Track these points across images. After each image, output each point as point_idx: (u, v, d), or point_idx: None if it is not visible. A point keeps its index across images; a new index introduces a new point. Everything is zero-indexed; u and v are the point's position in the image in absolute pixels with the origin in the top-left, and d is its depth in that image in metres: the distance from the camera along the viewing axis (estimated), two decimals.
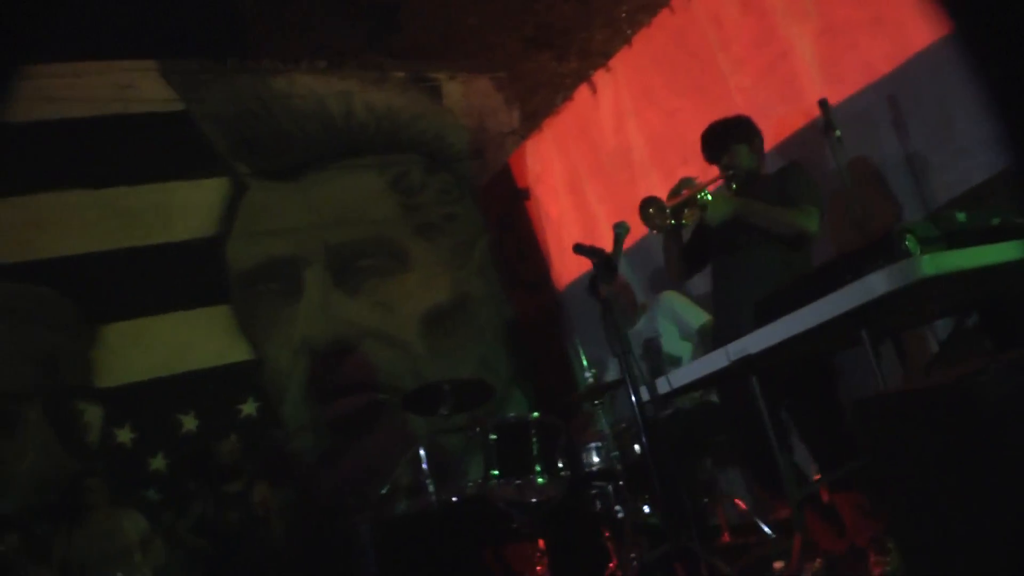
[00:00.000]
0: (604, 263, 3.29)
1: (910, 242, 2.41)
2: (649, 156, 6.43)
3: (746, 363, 2.52)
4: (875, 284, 2.19)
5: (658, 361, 4.75)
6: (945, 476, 1.70)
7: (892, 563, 3.10)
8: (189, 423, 6.51)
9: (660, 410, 4.82)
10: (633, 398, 3.03)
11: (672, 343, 4.98)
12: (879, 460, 1.86)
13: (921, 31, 4.57)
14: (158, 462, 6.35)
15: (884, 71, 4.81)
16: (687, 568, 3.81)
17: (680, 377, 3.00)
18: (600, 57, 6.93)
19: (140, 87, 6.77)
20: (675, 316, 5.03)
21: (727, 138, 4.15)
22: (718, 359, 2.69)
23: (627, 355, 3.13)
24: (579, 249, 3.53)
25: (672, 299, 5.15)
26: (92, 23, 5.56)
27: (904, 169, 4.77)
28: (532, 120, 7.77)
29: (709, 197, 3.81)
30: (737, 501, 4.79)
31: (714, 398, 4.77)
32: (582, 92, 6.99)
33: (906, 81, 4.70)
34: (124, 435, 6.30)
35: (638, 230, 4.28)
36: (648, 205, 3.81)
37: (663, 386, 3.08)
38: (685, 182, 3.90)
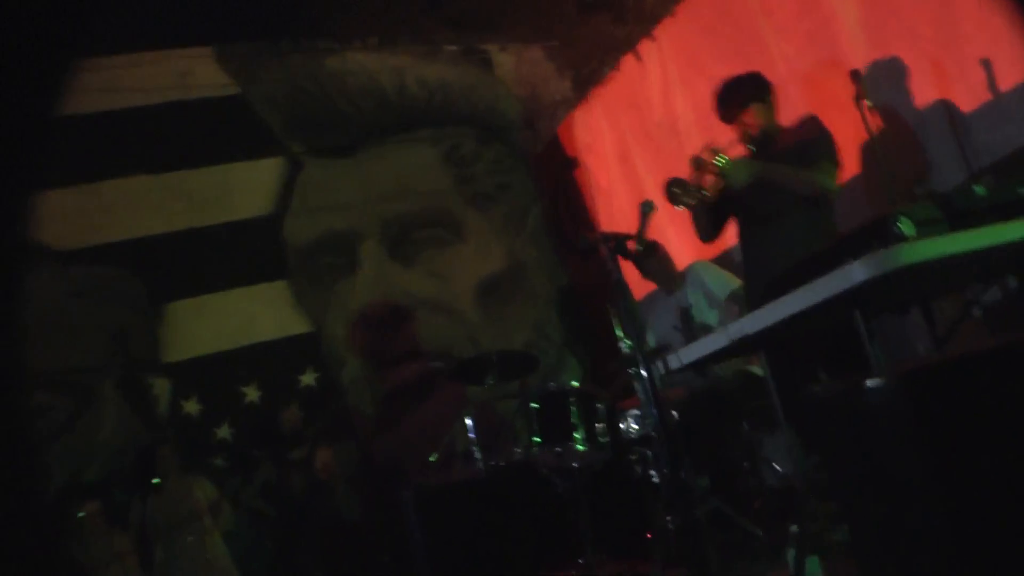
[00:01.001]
0: (616, 247, 3.35)
1: (904, 225, 2.42)
2: (695, 124, 6.44)
3: (745, 343, 2.60)
4: (855, 272, 2.23)
5: (693, 330, 4.83)
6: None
7: None
8: (252, 394, 6.78)
9: (694, 380, 4.94)
10: (645, 374, 3.12)
11: (703, 312, 5.05)
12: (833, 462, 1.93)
13: None
14: (224, 431, 6.65)
15: (927, 35, 4.76)
16: (721, 531, 3.93)
17: (689, 354, 3.09)
18: (647, 23, 6.92)
19: (197, 73, 7.00)
20: (703, 285, 5.09)
21: (740, 98, 4.17)
22: (719, 339, 2.78)
23: (638, 336, 3.23)
24: (585, 240, 3.61)
25: (700, 269, 5.21)
26: (146, 13, 5.77)
27: (948, 133, 4.73)
28: (583, 89, 7.79)
29: (729, 163, 3.86)
30: (775, 465, 4.85)
31: (753, 368, 4.84)
32: (628, 61, 7.01)
33: (950, 44, 4.65)
34: (191, 406, 6.61)
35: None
36: (672, 186, 3.88)
37: (674, 362, 3.17)
38: (705, 153, 3.95)
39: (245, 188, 7.10)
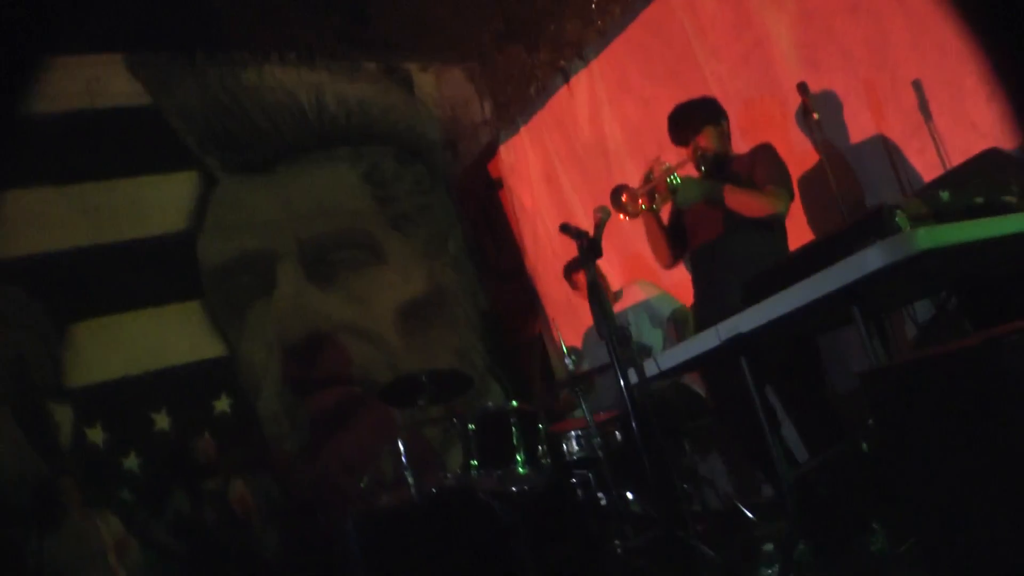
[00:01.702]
0: (589, 246, 3.25)
1: (900, 219, 2.41)
2: (625, 145, 6.42)
3: (737, 342, 2.49)
4: (869, 259, 2.17)
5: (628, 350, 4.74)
6: (963, 445, 1.68)
7: (877, 543, 3.09)
8: (162, 421, 6.40)
9: (643, 395, 4.84)
10: (622, 381, 2.99)
11: (644, 332, 4.98)
12: (890, 431, 1.84)
13: (897, 16, 4.59)
14: (131, 462, 6.24)
15: (861, 56, 4.81)
16: (671, 554, 3.81)
17: (670, 358, 2.97)
18: (572, 47, 6.90)
19: (106, 81, 6.64)
20: (646, 304, 5.03)
21: (695, 120, 4.16)
22: (708, 339, 2.67)
23: (615, 338, 3.10)
24: (566, 229, 3.50)
25: (643, 288, 5.15)
26: (53, 16, 5.42)
27: (881, 152, 4.79)
28: (505, 110, 7.73)
29: (679, 181, 3.81)
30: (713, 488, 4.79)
31: (687, 382, 4.78)
32: (556, 82, 6.96)
33: (883, 66, 4.71)
34: (95, 435, 6.18)
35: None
36: (620, 192, 3.81)
37: (651, 368, 3.05)
38: (656, 168, 3.90)
39: (156, 203, 6.74)
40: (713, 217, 4.00)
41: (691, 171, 4.07)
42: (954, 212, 2.76)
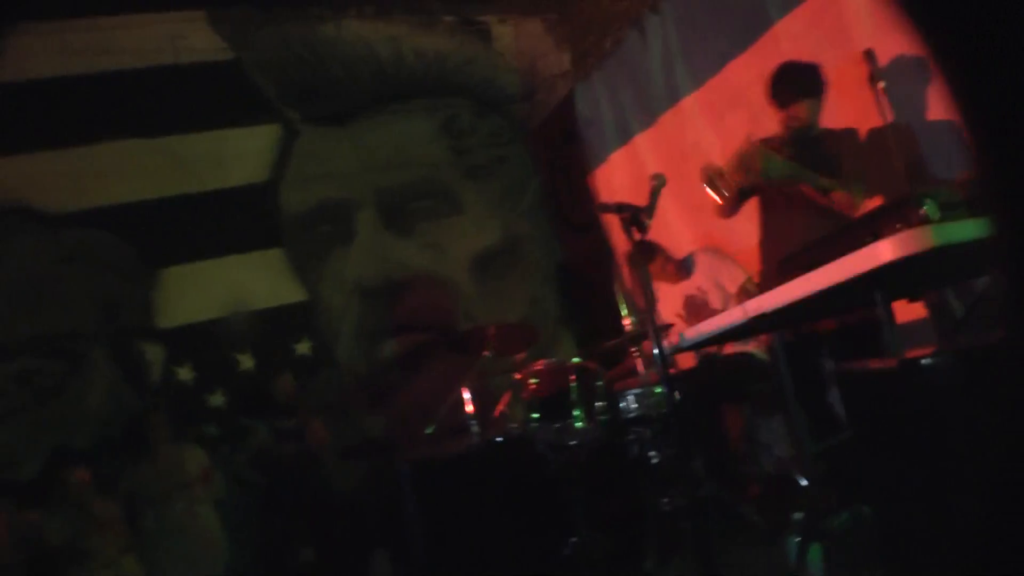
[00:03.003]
0: (632, 218, 3.28)
1: (929, 207, 2.39)
2: (697, 100, 6.37)
3: (762, 320, 2.56)
4: (883, 250, 2.19)
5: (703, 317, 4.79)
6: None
7: None
8: (246, 362, 6.74)
9: (702, 359, 4.90)
10: (656, 351, 3.07)
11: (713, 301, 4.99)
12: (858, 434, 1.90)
13: None
14: (217, 399, 6.61)
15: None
16: (717, 516, 3.89)
17: (701, 331, 3.05)
18: None
19: (189, 37, 6.87)
20: (713, 274, 5.03)
21: (798, 88, 4.09)
22: (735, 315, 2.73)
23: (651, 308, 3.17)
24: (603, 208, 3.55)
25: (711, 255, 5.15)
26: None
27: (949, 125, 4.67)
28: (582, 63, 7.70)
29: (773, 163, 3.81)
30: (773, 451, 4.82)
31: (753, 351, 4.80)
32: (631, 35, 6.91)
33: None
34: (184, 373, 6.56)
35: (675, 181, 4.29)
36: (713, 177, 3.81)
37: (685, 341, 3.13)
38: (747, 147, 3.89)
39: (239, 155, 7.00)
40: (788, 192, 4.00)
41: (779, 146, 4.05)
42: None
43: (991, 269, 3.14)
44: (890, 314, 2.40)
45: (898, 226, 2.35)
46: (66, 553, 5.47)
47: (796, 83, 4.10)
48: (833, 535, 2.96)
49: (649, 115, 6.84)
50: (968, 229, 2.21)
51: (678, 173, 6.25)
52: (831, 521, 3.08)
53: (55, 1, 5.69)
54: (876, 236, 2.37)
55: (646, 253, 4.54)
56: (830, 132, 4.20)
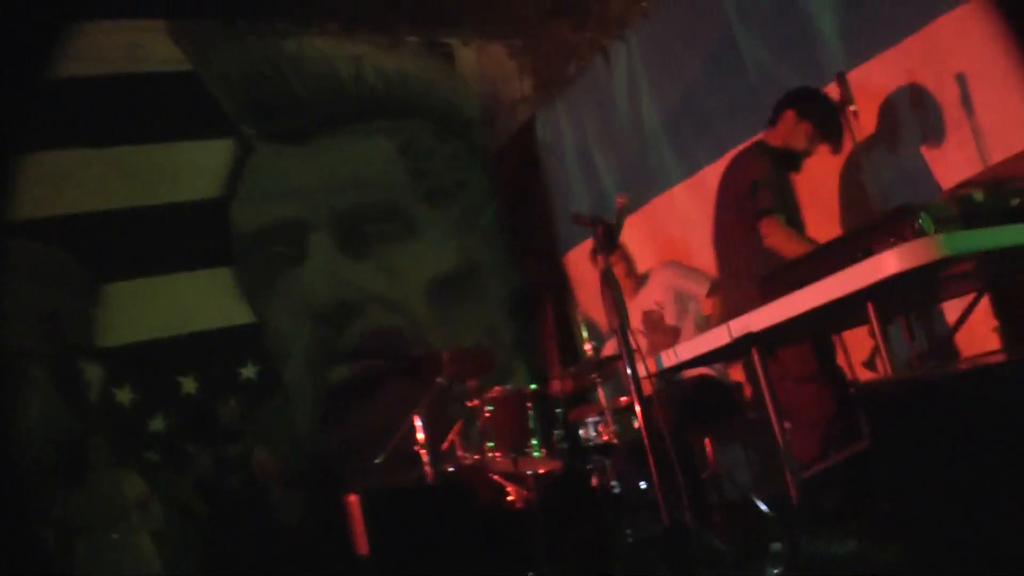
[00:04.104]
0: (605, 233, 3.19)
1: (924, 221, 2.34)
2: (662, 126, 6.34)
3: (749, 341, 2.45)
4: (887, 263, 2.11)
5: (660, 332, 4.70)
6: (952, 466, 1.64)
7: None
8: (189, 385, 6.50)
9: (662, 384, 4.80)
10: (630, 371, 2.96)
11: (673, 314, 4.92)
12: (881, 446, 1.80)
13: (943, 5, 4.46)
14: (157, 423, 6.35)
15: (904, 46, 4.69)
16: (682, 544, 3.77)
17: (683, 352, 2.94)
18: (616, 27, 6.81)
19: (148, 47, 6.69)
20: (676, 285, 4.97)
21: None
22: (720, 335, 2.63)
23: (624, 328, 3.06)
24: (577, 219, 3.46)
25: (672, 268, 5.09)
26: None
27: (920, 146, 4.67)
28: (544, 89, 7.65)
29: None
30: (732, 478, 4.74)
31: (714, 373, 4.72)
32: (595, 61, 6.88)
33: (926, 55, 4.59)
34: (123, 395, 6.30)
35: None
36: None
37: (666, 360, 3.01)
38: None
39: (192, 169, 6.82)
40: None
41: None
42: (987, 214, 2.67)
43: None
44: (885, 330, 2.30)
45: (892, 240, 2.28)
46: None
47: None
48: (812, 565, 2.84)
49: (612, 141, 6.79)
50: (976, 239, 2.14)
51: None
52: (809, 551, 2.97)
53: None
54: (869, 251, 2.29)
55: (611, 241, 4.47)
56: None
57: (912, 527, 1.83)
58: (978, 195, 2.78)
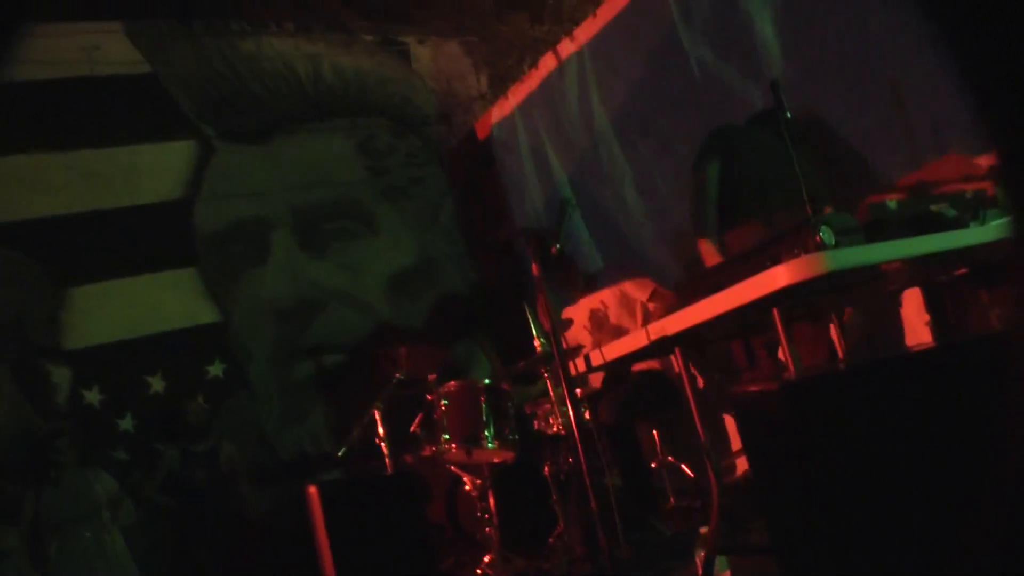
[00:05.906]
0: (538, 242, 3.36)
1: (824, 233, 2.50)
2: (611, 123, 6.51)
3: (664, 343, 2.65)
4: (778, 276, 2.29)
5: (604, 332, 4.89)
6: (820, 473, 1.82)
7: None
8: (156, 384, 6.60)
9: (611, 378, 5.00)
10: (561, 373, 3.15)
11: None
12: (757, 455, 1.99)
13: (876, 11, 4.64)
14: (126, 423, 6.45)
15: (839, 49, 4.87)
16: (629, 530, 3.98)
17: (608, 352, 3.13)
18: (567, 24, 6.97)
19: (106, 49, 6.75)
20: (620, 288, 5.15)
21: None
22: (639, 337, 2.82)
23: (556, 332, 3.25)
24: (520, 234, 3.63)
25: (618, 272, 5.26)
26: None
27: (856, 149, 4.86)
28: (499, 86, 7.82)
29: None
30: (683, 467, 4.95)
31: (660, 368, 4.92)
32: (547, 59, 7.04)
33: (862, 60, 4.77)
34: (92, 396, 6.39)
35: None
36: None
37: (594, 359, 3.21)
38: None
39: (154, 170, 6.88)
40: None
41: None
42: (898, 223, 2.83)
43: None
44: (789, 334, 2.50)
45: (796, 251, 2.46)
46: None
47: None
48: (740, 547, 3.06)
49: (564, 137, 6.96)
50: (861, 254, 2.32)
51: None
52: (739, 533, 3.19)
53: None
54: (775, 261, 2.48)
55: (559, 271, 4.64)
56: None
57: (783, 534, 2.02)
58: (891, 203, 2.95)
